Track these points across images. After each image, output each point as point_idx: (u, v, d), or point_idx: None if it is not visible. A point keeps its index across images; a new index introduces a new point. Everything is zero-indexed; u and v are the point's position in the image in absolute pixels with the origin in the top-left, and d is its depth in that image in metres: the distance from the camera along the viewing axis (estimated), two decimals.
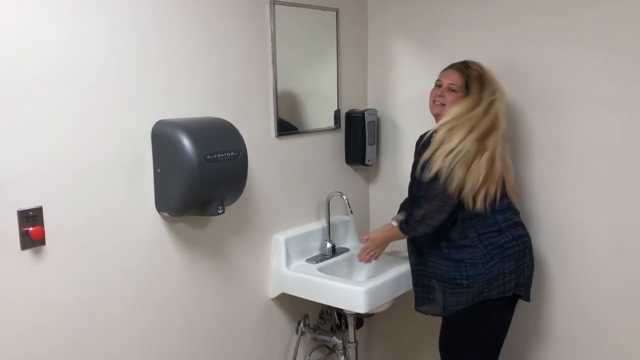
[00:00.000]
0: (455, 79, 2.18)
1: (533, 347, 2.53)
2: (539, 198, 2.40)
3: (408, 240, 2.30)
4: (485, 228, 2.13)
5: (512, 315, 2.27)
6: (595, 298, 2.33)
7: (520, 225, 2.21)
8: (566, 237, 2.35)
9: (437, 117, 2.23)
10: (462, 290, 2.13)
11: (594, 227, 2.29)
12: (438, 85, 2.24)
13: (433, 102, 2.24)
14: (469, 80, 2.16)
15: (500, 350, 2.29)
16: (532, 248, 2.23)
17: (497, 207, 2.14)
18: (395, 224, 2.32)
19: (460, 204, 2.10)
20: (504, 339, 2.28)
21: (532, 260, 2.23)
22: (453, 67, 2.22)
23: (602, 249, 2.28)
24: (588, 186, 2.29)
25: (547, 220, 2.38)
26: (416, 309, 2.29)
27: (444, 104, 2.19)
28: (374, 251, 2.39)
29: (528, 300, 2.23)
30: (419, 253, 2.25)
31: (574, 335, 2.41)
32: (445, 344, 2.30)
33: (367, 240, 2.40)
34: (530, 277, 2.23)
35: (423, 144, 2.15)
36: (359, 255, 2.43)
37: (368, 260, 2.43)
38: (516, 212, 2.22)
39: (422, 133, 2.21)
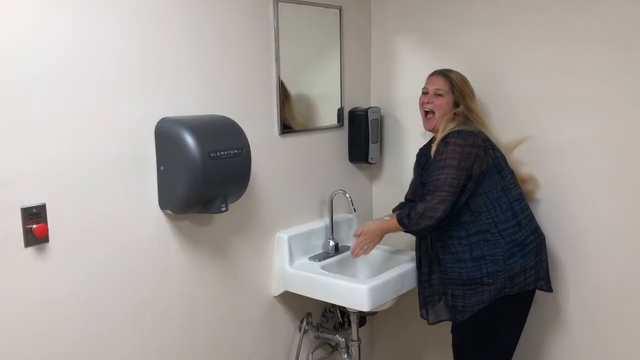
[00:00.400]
0: (440, 84, 2.27)
1: (546, 337, 2.52)
2: (543, 195, 2.40)
3: (421, 250, 2.31)
4: (505, 223, 2.15)
5: (529, 308, 2.28)
6: (605, 291, 2.32)
7: (534, 217, 2.25)
8: (569, 232, 2.35)
9: (431, 131, 2.30)
10: (483, 289, 2.13)
11: (596, 222, 2.29)
12: (425, 92, 2.31)
13: (425, 114, 2.30)
14: (453, 83, 2.26)
15: (516, 344, 2.29)
16: (545, 240, 2.26)
17: (511, 197, 2.17)
18: (388, 217, 2.31)
19: (468, 182, 2.12)
20: (520, 334, 2.29)
21: (546, 252, 2.26)
22: (436, 73, 2.32)
23: (609, 244, 2.28)
24: (589, 183, 2.28)
25: (550, 212, 2.38)
26: (434, 322, 2.29)
27: (433, 112, 2.26)
28: (367, 245, 2.32)
29: (551, 290, 2.26)
30: (437, 262, 2.24)
31: (585, 325, 2.39)
32: (462, 345, 2.29)
33: (360, 234, 2.34)
34: (547, 268, 2.26)
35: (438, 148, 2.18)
36: (352, 252, 2.36)
37: (358, 255, 2.34)
38: (527, 204, 2.25)
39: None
